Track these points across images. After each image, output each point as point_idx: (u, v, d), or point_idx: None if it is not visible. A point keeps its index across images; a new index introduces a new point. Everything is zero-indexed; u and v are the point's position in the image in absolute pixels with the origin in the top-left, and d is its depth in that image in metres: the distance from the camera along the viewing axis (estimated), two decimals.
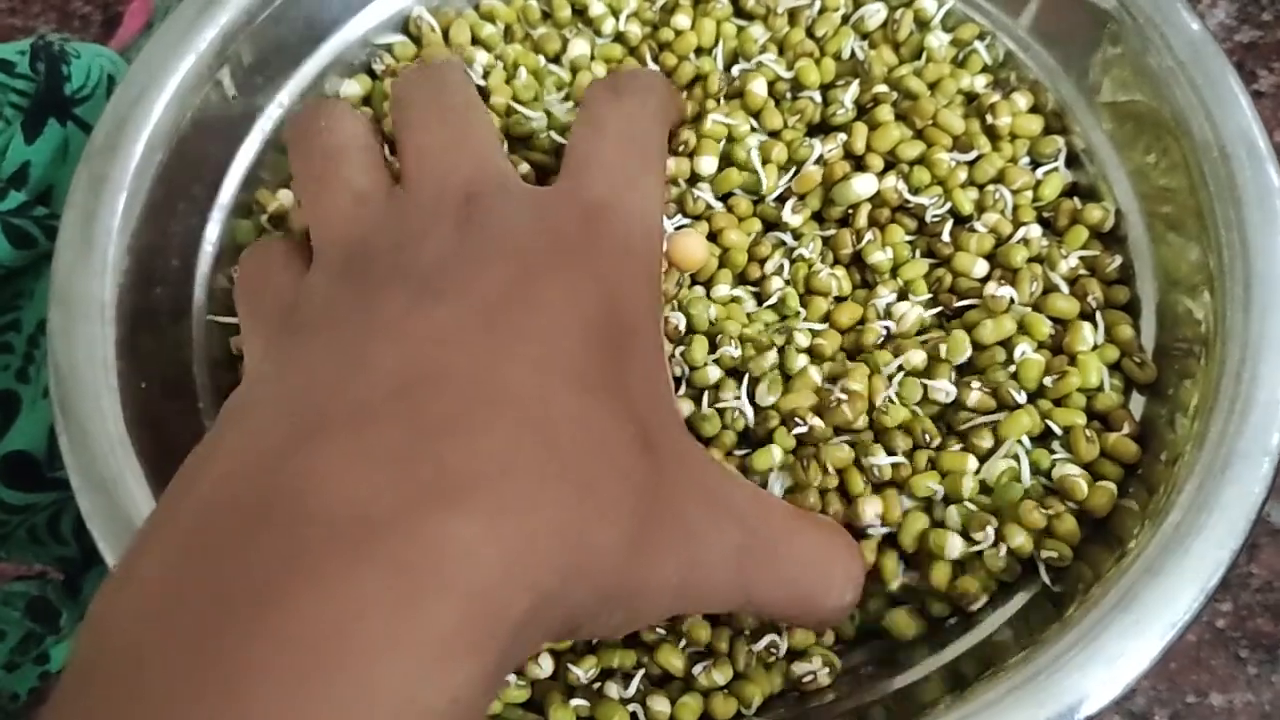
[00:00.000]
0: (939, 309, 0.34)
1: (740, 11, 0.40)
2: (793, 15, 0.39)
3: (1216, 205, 0.32)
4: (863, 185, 0.35)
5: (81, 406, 0.32)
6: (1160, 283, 0.34)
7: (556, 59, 0.39)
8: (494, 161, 0.28)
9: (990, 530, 0.30)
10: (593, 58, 0.39)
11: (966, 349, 0.32)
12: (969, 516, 0.30)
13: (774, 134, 0.37)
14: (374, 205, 0.27)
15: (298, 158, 0.30)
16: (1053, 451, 0.32)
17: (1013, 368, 0.32)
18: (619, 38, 0.40)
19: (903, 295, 0.35)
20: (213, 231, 0.37)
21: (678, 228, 0.35)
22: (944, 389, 0.32)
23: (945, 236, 0.35)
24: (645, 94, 0.31)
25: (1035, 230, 0.35)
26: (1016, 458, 0.31)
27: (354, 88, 0.39)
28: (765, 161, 0.36)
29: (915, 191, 0.35)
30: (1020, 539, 0.30)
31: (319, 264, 0.27)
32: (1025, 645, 0.28)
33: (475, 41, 0.40)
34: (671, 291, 0.34)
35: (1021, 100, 0.37)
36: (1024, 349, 0.32)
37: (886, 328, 0.33)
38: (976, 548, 0.30)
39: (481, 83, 0.38)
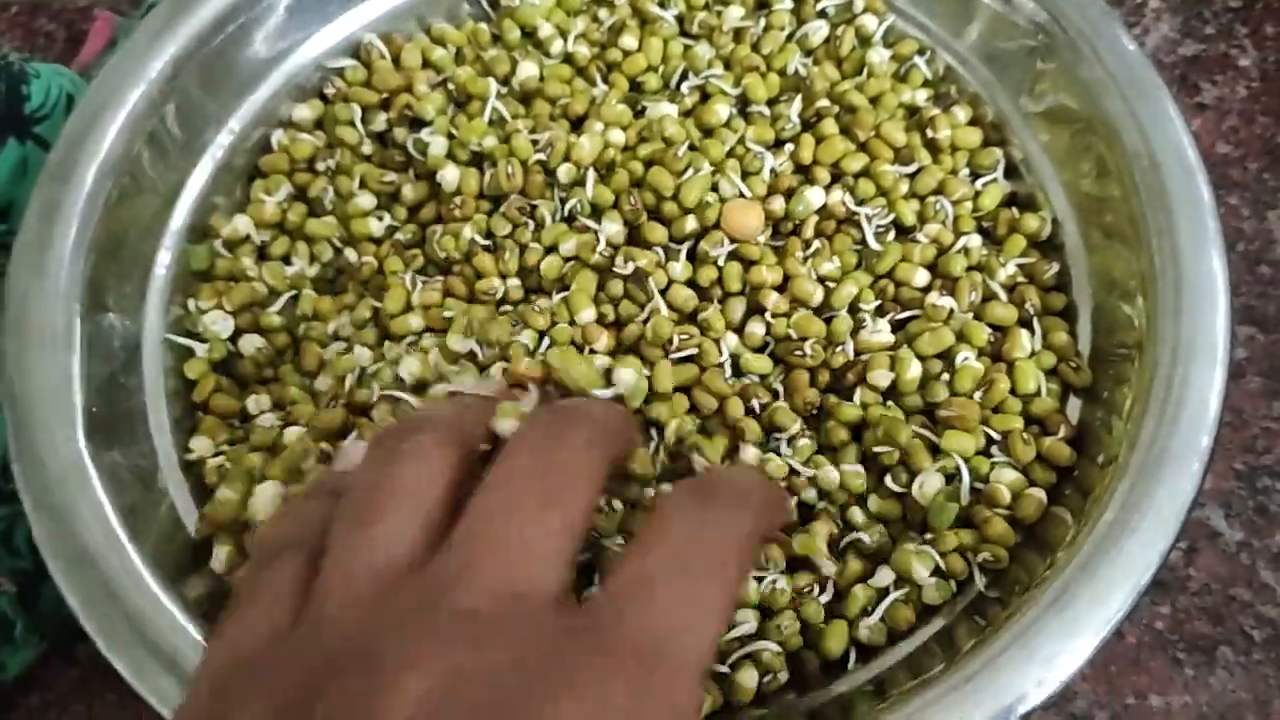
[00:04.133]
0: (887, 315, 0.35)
1: (685, 31, 0.41)
2: (738, 33, 0.40)
3: (1148, 214, 0.33)
4: (814, 197, 0.36)
5: (35, 432, 0.32)
6: (1096, 289, 0.35)
7: (506, 81, 0.40)
8: (544, 575, 0.21)
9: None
10: (542, 78, 0.40)
11: (916, 369, 0.33)
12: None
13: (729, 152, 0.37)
14: (386, 585, 0.21)
15: (373, 462, 0.24)
16: (990, 456, 0.32)
17: (946, 376, 0.33)
18: (568, 59, 0.41)
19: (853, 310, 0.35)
20: (165, 257, 0.37)
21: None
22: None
23: (874, 243, 0.36)
24: (739, 507, 0.23)
25: (975, 240, 0.36)
26: (955, 477, 0.32)
27: (305, 112, 0.40)
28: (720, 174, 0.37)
29: (860, 203, 0.36)
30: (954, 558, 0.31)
31: (291, 642, 0.21)
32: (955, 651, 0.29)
33: (426, 65, 0.41)
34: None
35: (961, 113, 0.38)
36: (965, 355, 0.33)
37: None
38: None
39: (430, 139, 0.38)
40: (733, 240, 0.35)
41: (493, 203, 0.38)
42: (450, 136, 0.38)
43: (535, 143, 0.37)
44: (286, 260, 0.38)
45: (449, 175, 0.37)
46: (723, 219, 0.35)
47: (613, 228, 0.35)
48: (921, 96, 0.39)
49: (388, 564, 0.21)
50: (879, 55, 0.39)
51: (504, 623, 0.20)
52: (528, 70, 0.39)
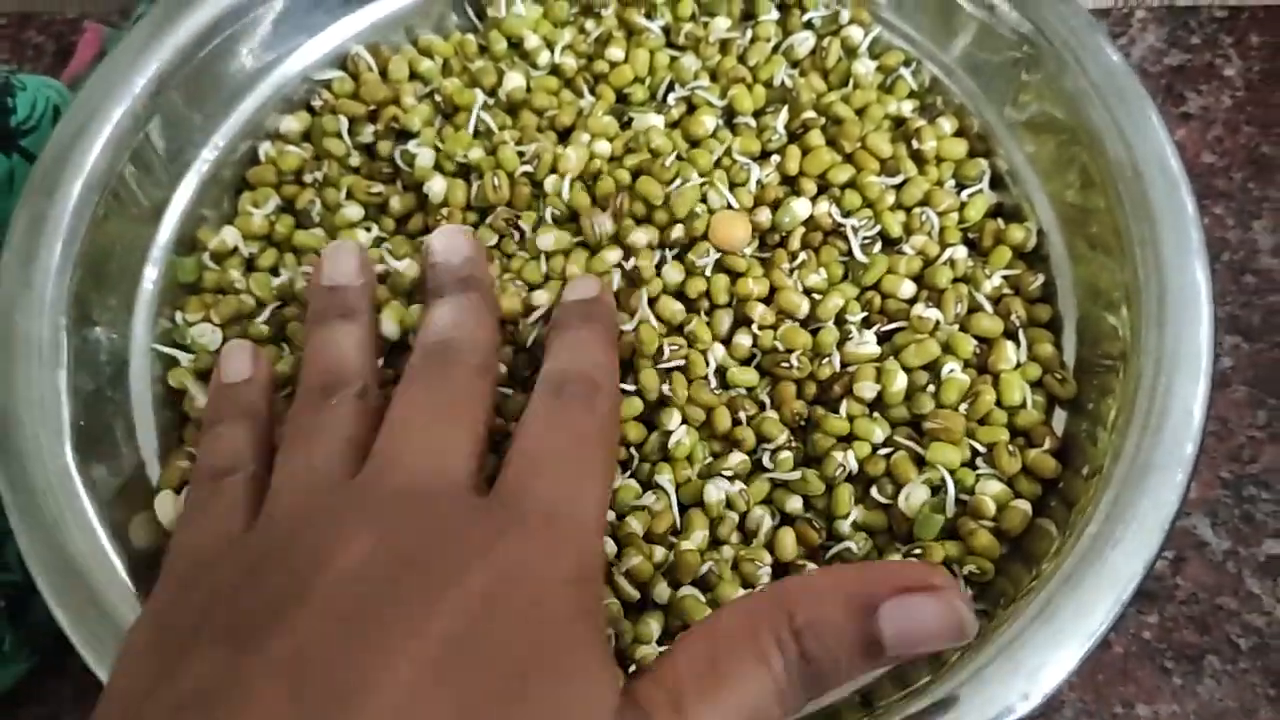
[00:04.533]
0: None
1: (671, 43, 0.41)
2: (724, 45, 0.40)
3: (1132, 224, 0.33)
4: (801, 208, 0.36)
5: (21, 446, 0.32)
6: (1081, 300, 0.35)
7: (493, 92, 0.40)
8: (454, 463, 0.26)
9: None
10: (528, 90, 0.40)
11: (902, 381, 0.33)
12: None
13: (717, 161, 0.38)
14: (331, 485, 0.27)
15: (313, 329, 0.32)
16: (976, 468, 0.32)
17: (931, 388, 0.33)
18: (554, 70, 0.41)
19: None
20: (152, 270, 0.37)
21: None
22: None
23: (860, 254, 0.36)
24: (587, 393, 0.29)
25: (961, 251, 0.36)
26: (941, 489, 0.32)
27: (293, 124, 0.40)
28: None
29: (846, 215, 0.36)
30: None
31: (253, 535, 0.26)
32: (941, 664, 0.29)
33: (413, 76, 0.41)
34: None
35: (946, 125, 0.38)
36: (951, 367, 0.33)
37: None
38: None
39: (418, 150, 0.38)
40: (720, 251, 0.35)
41: (480, 214, 0.38)
42: (437, 149, 0.38)
43: (521, 154, 0.37)
44: (274, 272, 0.38)
45: (435, 186, 0.37)
46: (711, 230, 0.35)
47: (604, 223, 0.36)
48: (907, 108, 0.39)
49: (325, 475, 0.26)
50: (865, 66, 0.39)
51: (425, 500, 0.25)
52: (514, 81, 0.39)
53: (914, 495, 0.31)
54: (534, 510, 0.25)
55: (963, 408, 0.33)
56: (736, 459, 0.32)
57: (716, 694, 0.23)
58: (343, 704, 0.20)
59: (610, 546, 0.31)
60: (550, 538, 0.24)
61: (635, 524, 0.31)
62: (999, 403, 0.33)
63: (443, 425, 0.27)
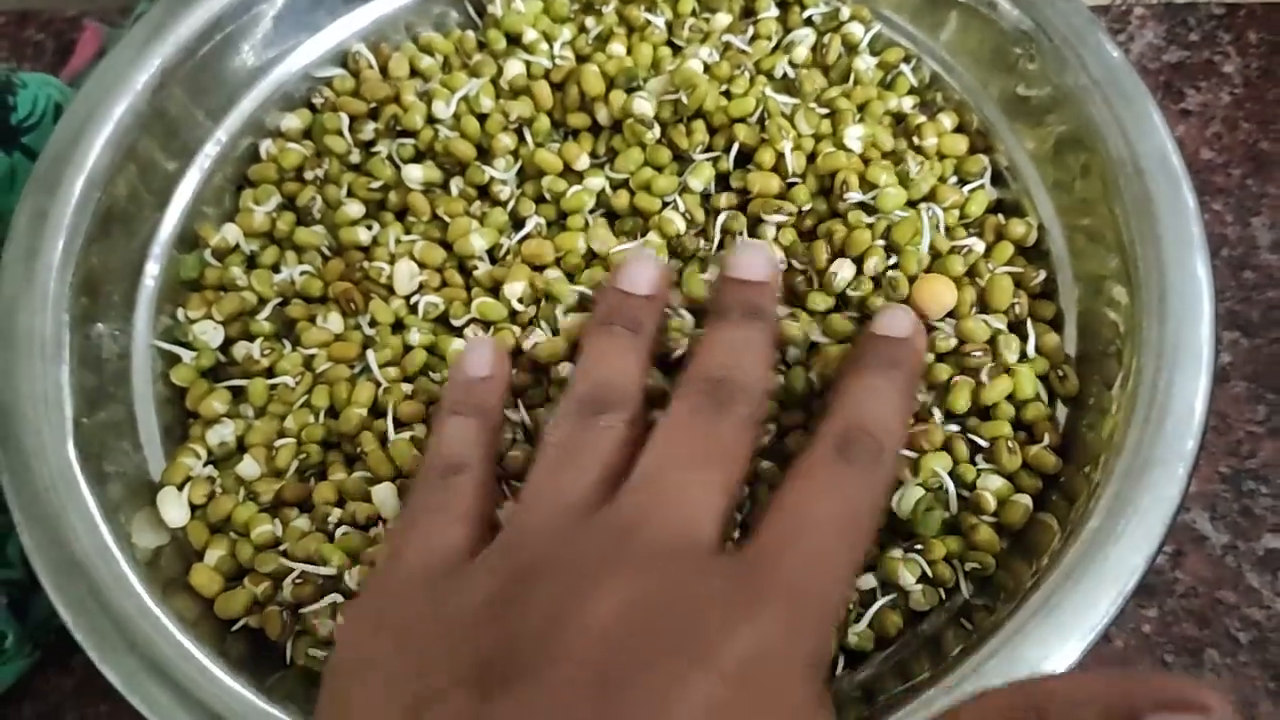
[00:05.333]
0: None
1: (671, 41, 0.41)
2: (725, 46, 0.40)
3: (1132, 220, 0.33)
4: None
5: (23, 442, 0.32)
6: (1081, 295, 0.35)
7: (494, 81, 0.40)
8: (702, 521, 0.25)
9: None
10: (530, 76, 0.40)
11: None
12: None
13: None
14: (579, 518, 0.26)
15: (573, 400, 0.29)
16: (976, 464, 0.32)
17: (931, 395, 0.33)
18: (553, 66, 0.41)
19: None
20: (153, 266, 0.37)
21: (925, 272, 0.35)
22: None
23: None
24: (870, 472, 0.26)
25: (980, 246, 0.36)
26: (941, 488, 0.32)
27: (294, 121, 0.40)
28: None
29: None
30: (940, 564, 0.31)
31: (496, 556, 0.26)
32: (942, 658, 0.29)
33: (414, 74, 0.41)
34: None
35: (947, 120, 0.39)
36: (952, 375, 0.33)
37: None
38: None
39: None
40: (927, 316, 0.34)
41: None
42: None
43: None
44: (275, 269, 0.38)
45: (413, 174, 0.38)
46: (915, 298, 0.35)
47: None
48: (908, 104, 0.39)
49: (576, 505, 0.26)
50: (865, 63, 0.39)
51: (676, 560, 0.24)
52: (514, 68, 0.39)
53: (907, 497, 0.32)
54: (785, 584, 0.23)
55: (966, 400, 0.33)
56: None
57: None
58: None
59: None
60: (795, 616, 0.23)
61: None
62: (1010, 396, 0.33)
63: (702, 477, 0.26)
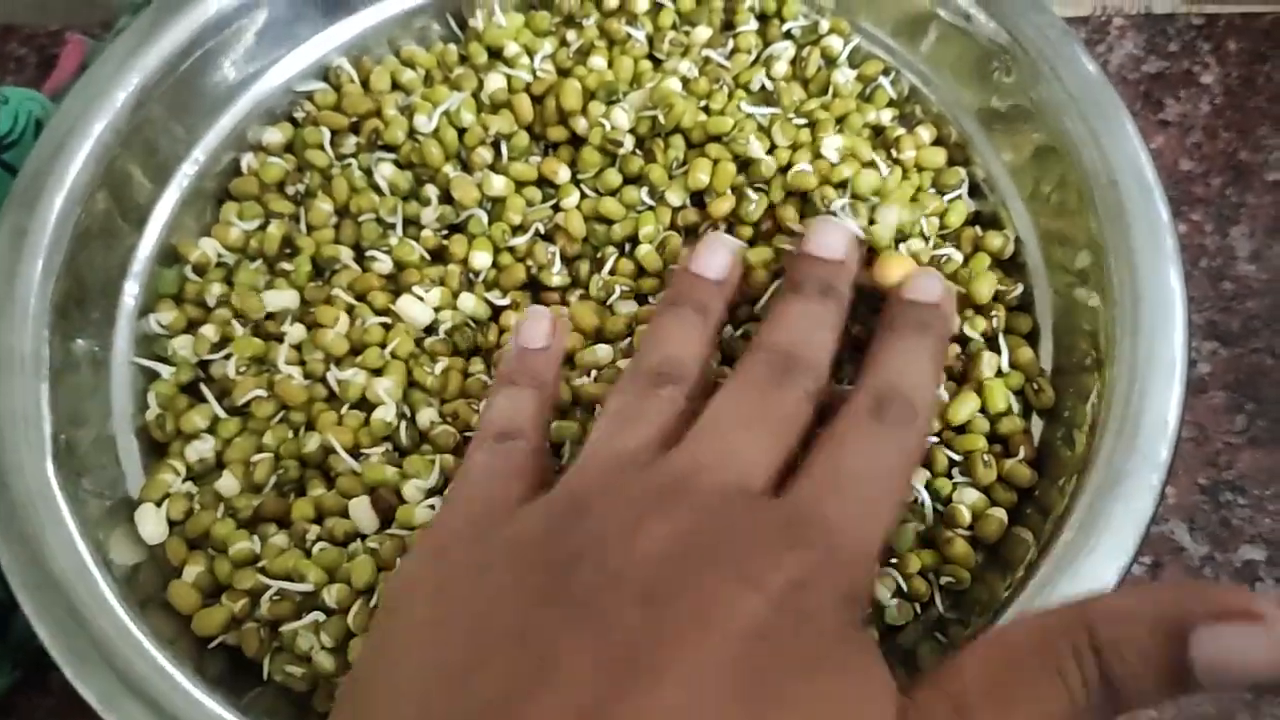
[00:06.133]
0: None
1: (652, 54, 0.41)
2: (705, 60, 0.40)
3: (1107, 232, 0.33)
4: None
5: (2, 459, 0.32)
6: (1057, 307, 0.35)
7: (475, 95, 0.40)
8: (754, 476, 0.26)
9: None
10: (511, 89, 0.40)
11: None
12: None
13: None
14: (634, 468, 0.27)
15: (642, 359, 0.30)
16: (951, 477, 0.33)
17: None
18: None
19: None
20: (133, 283, 0.37)
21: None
22: None
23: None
24: (908, 424, 0.27)
25: (957, 256, 0.36)
26: (916, 500, 0.32)
27: (276, 135, 0.40)
28: None
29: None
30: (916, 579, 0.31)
31: (550, 500, 0.27)
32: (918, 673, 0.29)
33: (396, 86, 0.41)
34: None
35: (925, 133, 0.39)
36: (938, 391, 0.33)
37: None
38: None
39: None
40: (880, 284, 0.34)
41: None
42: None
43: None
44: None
45: (386, 170, 0.38)
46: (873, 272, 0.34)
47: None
48: (886, 116, 0.39)
49: (634, 457, 0.27)
50: (844, 76, 0.39)
51: (725, 503, 0.25)
52: (495, 82, 0.39)
53: None
54: (826, 525, 0.25)
55: (936, 420, 0.33)
56: None
57: (1008, 709, 0.21)
58: (642, 677, 0.21)
59: None
60: (836, 552, 0.24)
61: None
62: (983, 409, 0.33)
63: (760, 437, 0.27)
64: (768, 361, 0.29)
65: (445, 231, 0.38)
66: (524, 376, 0.31)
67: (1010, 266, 0.37)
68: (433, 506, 0.33)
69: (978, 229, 0.37)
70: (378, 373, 0.35)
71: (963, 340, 0.35)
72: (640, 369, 0.30)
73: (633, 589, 0.23)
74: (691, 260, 0.32)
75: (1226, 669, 0.20)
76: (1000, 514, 0.32)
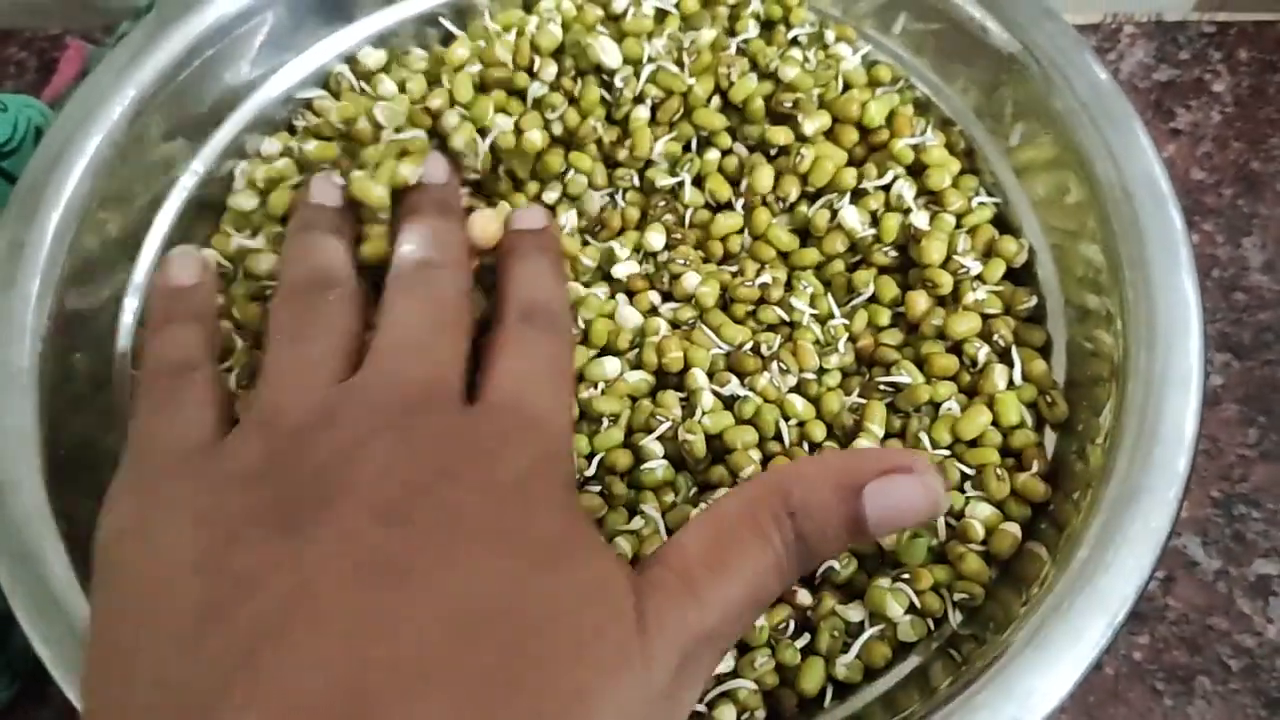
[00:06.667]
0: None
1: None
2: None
3: (1120, 244, 0.33)
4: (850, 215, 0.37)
5: None
6: (1070, 319, 0.35)
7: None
8: (449, 375, 0.28)
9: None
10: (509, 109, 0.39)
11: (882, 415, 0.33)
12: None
13: None
14: (330, 385, 0.27)
15: (289, 265, 0.31)
16: (964, 491, 0.32)
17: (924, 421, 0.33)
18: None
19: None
20: (133, 296, 0.37)
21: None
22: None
23: None
24: (556, 329, 0.30)
25: (976, 267, 0.35)
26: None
27: (274, 146, 0.39)
28: None
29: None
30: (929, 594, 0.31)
31: (253, 427, 0.26)
32: (932, 689, 0.28)
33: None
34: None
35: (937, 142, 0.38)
36: (949, 405, 0.33)
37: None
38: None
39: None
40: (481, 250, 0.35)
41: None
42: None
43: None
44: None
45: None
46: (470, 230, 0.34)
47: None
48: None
49: (326, 372, 0.27)
50: (853, 66, 0.39)
51: (433, 408, 0.26)
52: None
53: None
54: (529, 418, 0.27)
55: (948, 434, 0.32)
56: (720, 494, 0.32)
57: (724, 570, 0.24)
58: (403, 581, 0.22)
59: None
60: (546, 442, 0.26)
61: (625, 545, 0.31)
62: (995, 423, 0.33)
63: (437, 338, 0.28)
64: (411, 270, 0.30)
65: None
66: (182, 312, 0.31)
67: (1023, 278, 0.36)
68: None
69: (994, 231, 0.36)
70: None
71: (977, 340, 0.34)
72: (291, 285, 0.30)
73: (372, 510, 0.23)
74: (307, 191, 0.33)
75: (891, 515, 0.24)
76: (1014, 529, 0.31)
